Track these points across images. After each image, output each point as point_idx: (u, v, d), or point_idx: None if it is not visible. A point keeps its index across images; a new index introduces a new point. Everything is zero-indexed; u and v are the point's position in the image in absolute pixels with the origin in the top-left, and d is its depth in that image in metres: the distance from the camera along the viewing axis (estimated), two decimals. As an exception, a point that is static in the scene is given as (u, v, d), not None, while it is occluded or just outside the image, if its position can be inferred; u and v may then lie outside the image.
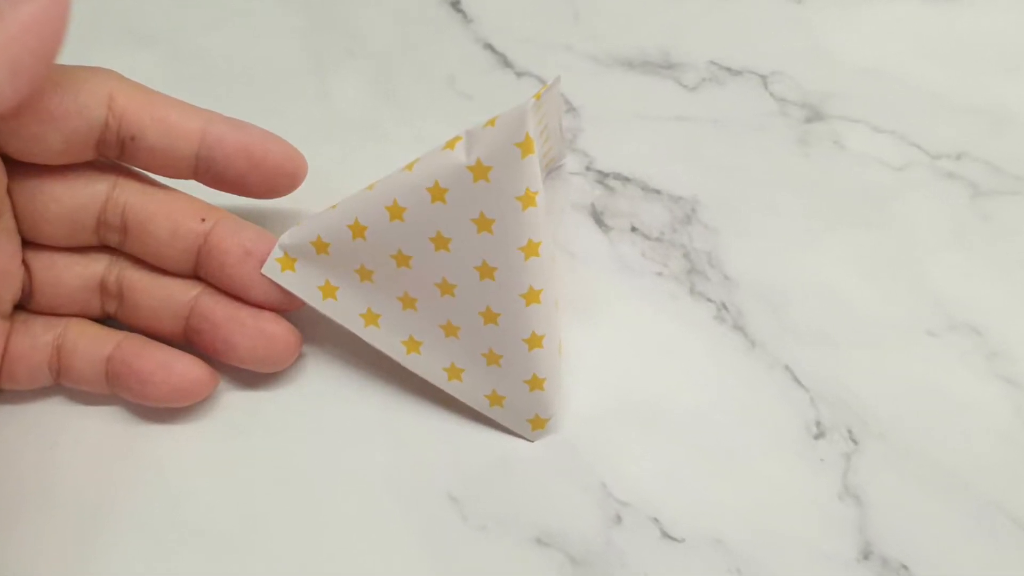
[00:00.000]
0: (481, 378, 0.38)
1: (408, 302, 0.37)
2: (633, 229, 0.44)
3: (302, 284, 0.37)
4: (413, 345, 0.38)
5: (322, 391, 0.38)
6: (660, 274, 0.42)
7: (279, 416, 0.38)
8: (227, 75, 0.47)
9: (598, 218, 0.44)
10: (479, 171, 0.34)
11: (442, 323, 0.37)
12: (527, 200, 0.35)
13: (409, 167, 0.36)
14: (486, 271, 0.36)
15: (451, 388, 0.38)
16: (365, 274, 0.37)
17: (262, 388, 0.39)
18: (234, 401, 0.38)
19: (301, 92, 0.47)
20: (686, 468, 0.37)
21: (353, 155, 0.43)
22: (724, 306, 0.42)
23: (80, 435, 0.37)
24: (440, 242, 0.35)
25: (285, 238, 0.36)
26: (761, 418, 0.38)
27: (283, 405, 0.38)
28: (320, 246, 0.36)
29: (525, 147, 0.34)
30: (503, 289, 0.36)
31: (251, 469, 0.37)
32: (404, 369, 0.38)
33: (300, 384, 0.39)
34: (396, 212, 0.35)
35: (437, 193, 0.35)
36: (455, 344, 0.37)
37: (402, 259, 0.36)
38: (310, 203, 0.39)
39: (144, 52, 0.47)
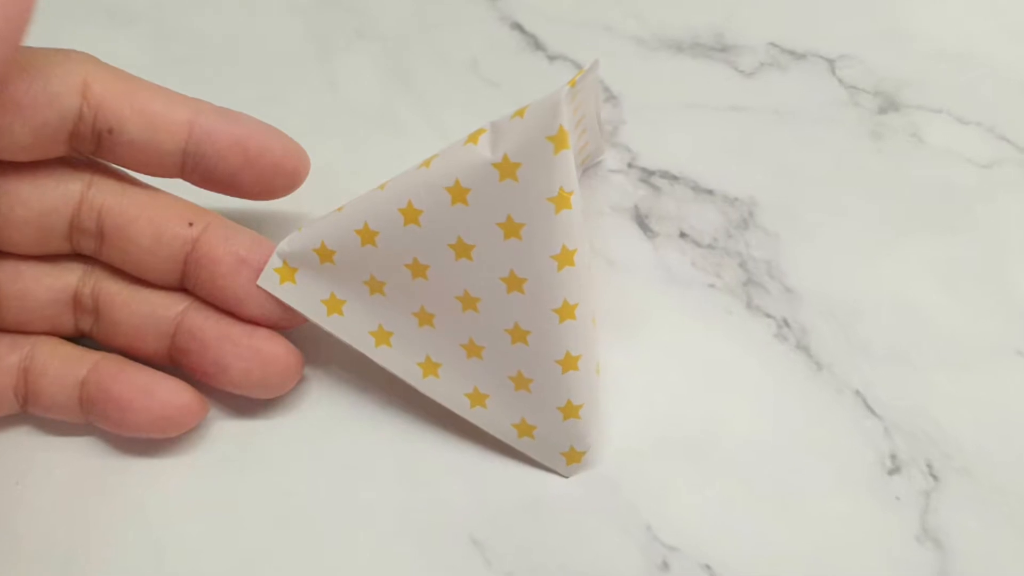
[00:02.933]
0: (509, 405, 0.37)
1: (425, 318, 0.36)
2: (682, 235, 0.43)
3: (304, 297, 0.37)
4: (430, 367, 0.37)
5: (326, 420, 0.38)
6: (712, 286, 0.42)
7: (277, 449, 0.37)
8: (219, 58, 0.47)
9: (642, 222, 0.43)
10: (506, 168, 0.34)
11: (464, 342, 0.37)
12: (561, 202, 0.34)
13: (426, 164, 0.35)
14: (514, 283, 0.35)
15: (474, 416, 0.37)
16: (376, 286, 0.37)
17: (258, 416, 0.38)
18: (226, 431, 0.38)
19: (303, 78, 0.47)
20: (741, 508, 0.36)
21: (362, 150, 0.44)
22: (785, 322, 0.41)
23: (49, 471, 0.36)
24: (461, 249, 0.35)
25: (284, 245, 0.36)
26: (827, 450, 0.38)
27: (282, 436, 0.38)
28: (324, 254, 0.36)
29: (559, 141, 0.34)
30: (534, 303, 0.35)
31: (246, 510, 0.36)
32: (420, 395, 0.38)
33: (301, 412, 0.38)
34: (411, 215, 0.35)
35: (458, 194, 0.34)
36: (479, 366, 0.37)
37: (418, 269, 0.36)
38: (313, 205, 0.40)
39: (124, 32, 0.47)
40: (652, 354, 0.39)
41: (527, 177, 0.34)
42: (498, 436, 0.38)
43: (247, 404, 0.38)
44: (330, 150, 0.39)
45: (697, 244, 0.43)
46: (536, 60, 0.47)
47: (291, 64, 0.47)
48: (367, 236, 0.36)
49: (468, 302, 0.36)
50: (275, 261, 0.36)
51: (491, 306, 0.36)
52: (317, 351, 0.39)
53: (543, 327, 0.36)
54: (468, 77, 0.47)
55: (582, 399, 0.36)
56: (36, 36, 0.30)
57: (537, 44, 0.48)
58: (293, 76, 0.47)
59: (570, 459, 0.37)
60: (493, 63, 0.47)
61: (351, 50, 0.48)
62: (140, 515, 0.36)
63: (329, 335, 0.38)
